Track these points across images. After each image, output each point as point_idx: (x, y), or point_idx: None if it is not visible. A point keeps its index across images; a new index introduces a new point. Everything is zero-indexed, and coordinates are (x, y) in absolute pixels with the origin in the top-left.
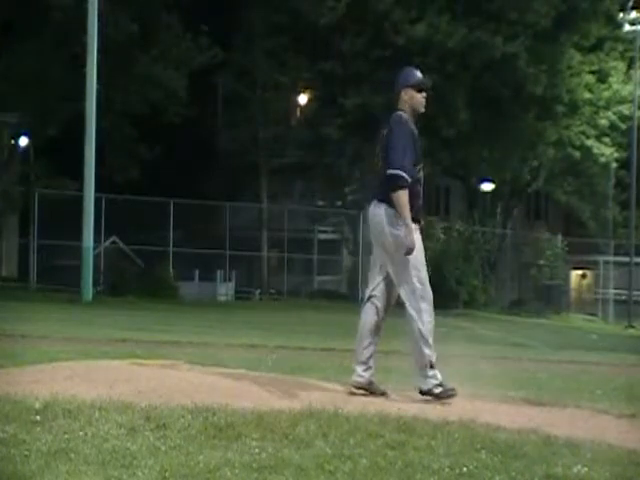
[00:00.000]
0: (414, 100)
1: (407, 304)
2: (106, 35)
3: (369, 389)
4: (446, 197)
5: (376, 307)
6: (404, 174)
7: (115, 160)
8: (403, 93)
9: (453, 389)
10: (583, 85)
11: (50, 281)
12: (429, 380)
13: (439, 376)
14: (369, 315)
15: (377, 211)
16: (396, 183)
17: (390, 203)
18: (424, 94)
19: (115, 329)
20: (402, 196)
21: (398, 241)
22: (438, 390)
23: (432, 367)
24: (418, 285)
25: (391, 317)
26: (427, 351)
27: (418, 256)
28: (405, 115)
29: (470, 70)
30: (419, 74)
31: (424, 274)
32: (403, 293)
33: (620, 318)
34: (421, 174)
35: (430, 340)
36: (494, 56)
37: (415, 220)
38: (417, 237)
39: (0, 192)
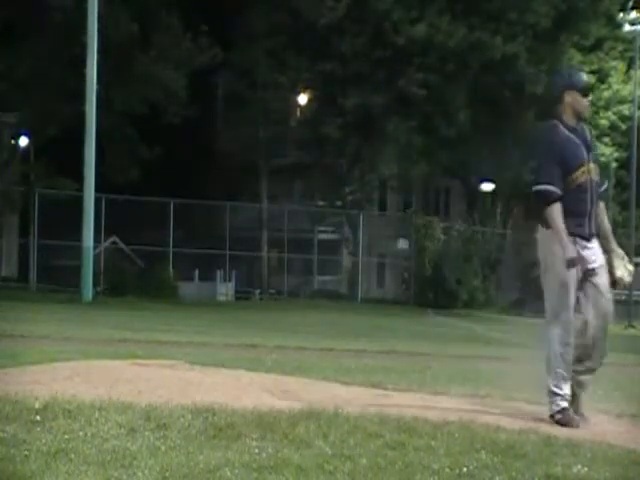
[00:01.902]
0: (578, 104)
1: (548, 325)
2: (106, 35)
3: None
4: (446, 197)
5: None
6: (551, 187)
7: (115, 160)
8: (566, 95)
9: (574, 420)
10: None
11: (50, 281)
12: (551, 405)
13: (560, 403)
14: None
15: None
16: (546, 199)
17: (543, 223)
18: (589, 98)
19: (115, 329)
20: (553, 211)
21: (542, 261)
22: (558, 417)
23: (554, 394)
24: (556, 310)
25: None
26: (549, 379)
27: (565, 278)
28: (557, 124)
29: (470, 70)
30: (585, 77)
31: (568, 298)
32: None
33: (620, 318)
34: (584, 179)
35: (555, 368)
36: (494, 56)
37: (579, 235)
38: (568, 256)
39: (0, 192)
